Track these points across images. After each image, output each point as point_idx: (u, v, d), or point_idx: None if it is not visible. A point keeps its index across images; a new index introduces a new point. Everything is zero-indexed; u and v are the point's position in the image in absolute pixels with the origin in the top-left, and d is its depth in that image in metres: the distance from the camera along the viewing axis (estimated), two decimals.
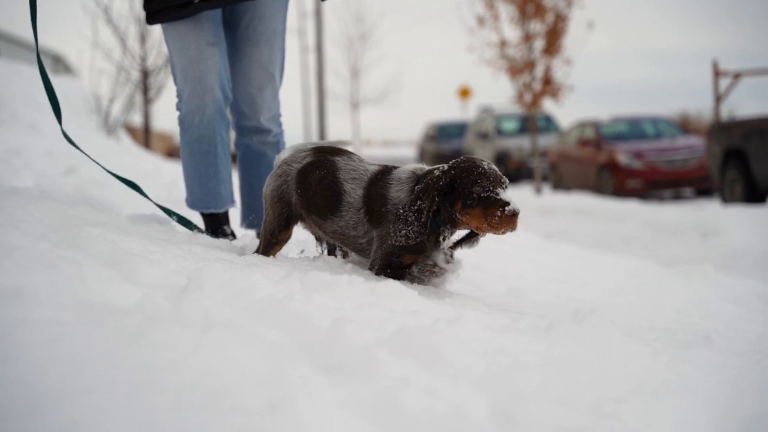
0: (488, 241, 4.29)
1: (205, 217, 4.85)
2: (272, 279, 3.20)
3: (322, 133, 39.54)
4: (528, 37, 21.03)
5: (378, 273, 3.73)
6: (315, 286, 3.10)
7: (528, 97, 21.05)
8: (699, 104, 29.05)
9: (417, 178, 3.66)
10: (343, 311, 2.80)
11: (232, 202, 4.87)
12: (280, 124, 4.89)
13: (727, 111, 31.71)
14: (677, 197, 20.83)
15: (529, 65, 20.90)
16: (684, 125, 32.51)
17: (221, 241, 4.28)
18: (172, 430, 1.63)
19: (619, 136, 21.69)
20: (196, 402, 1.75)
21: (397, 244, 3.58)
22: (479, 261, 5.63)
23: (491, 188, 3.51)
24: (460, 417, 2.03)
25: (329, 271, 3.63)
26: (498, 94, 24.39)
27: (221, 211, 4.82)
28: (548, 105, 24.10)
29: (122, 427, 1.65)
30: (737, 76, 17.30)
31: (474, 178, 3.51)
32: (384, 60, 63.99)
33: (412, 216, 3.53)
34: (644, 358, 2.75)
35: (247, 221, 4.97)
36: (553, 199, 19.60)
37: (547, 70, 20.91)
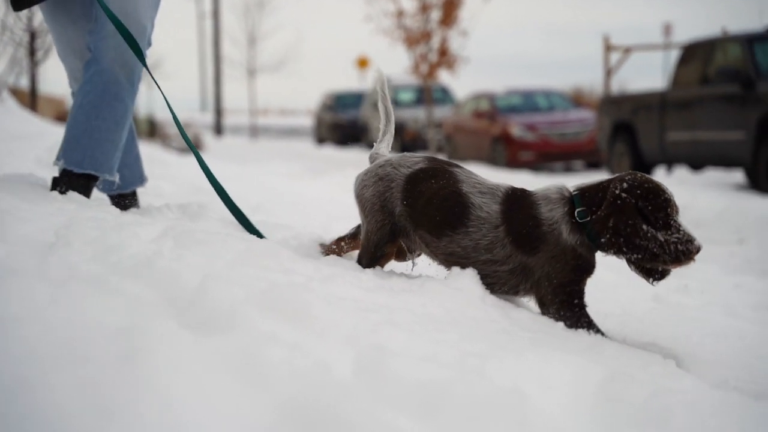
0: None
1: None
2: (145, 237, 3.13)
3: (218, 100, 39.05)
4: (425, 8, 21.07)
5: (577, 326, 3.20)
6: (188, 244, 3.04)
7: (424, 68, 21.13)
8: (592, 78, 29.64)
9: (569, 199, 3.30)
10: (214, 269, 2.75)
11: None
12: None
13: (618, 85, 32.42)
14: (568, 169, 21.21)
15: (426, 36, 20.97)
16: (577, 99, 33.09)
17: (96, 201, 4.15)
18: (15, 380, 1.58)
19: (513, 109, 21.94)
20: (44, 353, 1.70)
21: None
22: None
23: (675, 218, 3.23)
24: (324, 371, 2.02)
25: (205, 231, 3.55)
26: (396, 64, 24.43)
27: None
28: (444, 76, 24.23)
29: None
30: (627, 50, 17.67)
31: (661, 203, 3.20)
32: (282, 28, 63.37)
33: (655, 241, 3.14)
34: (513, 313, 2.79)
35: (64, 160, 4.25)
36: None
37: (444, 42, 21.01)
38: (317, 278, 2.90)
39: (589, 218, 3.24)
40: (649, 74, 33.47)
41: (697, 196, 11.55)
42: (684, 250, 3.14)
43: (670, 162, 15.15)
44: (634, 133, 15.64)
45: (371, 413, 1.82)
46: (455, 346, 2.37)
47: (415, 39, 20.96)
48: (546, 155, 20.54)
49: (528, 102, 22.36)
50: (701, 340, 3.58)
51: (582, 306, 3.25)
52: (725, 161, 13.75)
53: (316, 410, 1.85)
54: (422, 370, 2.09)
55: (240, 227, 4.03)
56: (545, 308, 3.27)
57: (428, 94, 22.23)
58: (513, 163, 20.34)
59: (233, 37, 42.32)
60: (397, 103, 28.65)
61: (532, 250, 3.26)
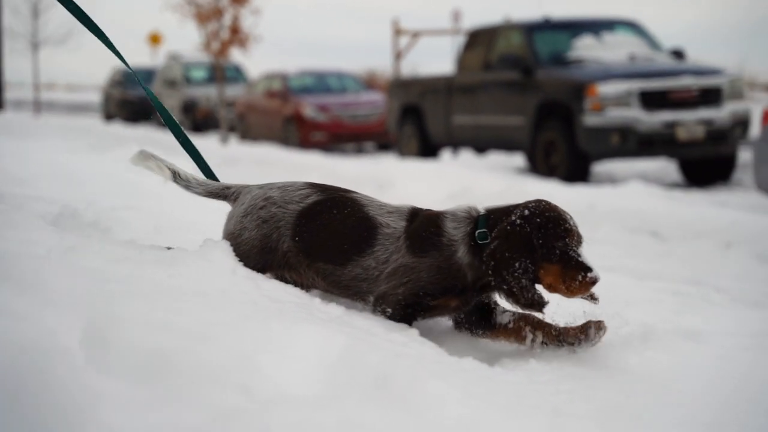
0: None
1: None
2: None
3: None
4: None
5: (393, 312, 3.18)
6: None
7: (215, 46, 20.78)
8: (385, 62, 30.10)
9: (475, 220, 3.24)
10: None
11: None
12: None
13: (411, 69, 33.03)
14: (360, 151, 21.47)
15: (217, 13, 20.60)
16: (370, 82, 33.52)
17: None
18: None
19: (305, 90, 21.97)
20: None
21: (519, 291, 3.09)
22: (134, 202, 5.46)
23: (575, 248, 3.16)
24: (49, 340, 1.93)
25: None
26: (187, 41, 23.93)
27: None
28: (237, 55, 23.92)
29: None
30: (416, 34, 18.03)
31: (560, 233, 3.15)
32: None
33: (523, 280, 3.09)
34: (264, 285, 2.76)
35: None
36: (239, 149, 19.55)
37: (235, 19, 20.71)
38: (59, 249, 2.77)
39: (487, 240, 3.19)
40: (440, 58, 34.31)
41: (480, 177, 11.94)
42: (537, 302, 3.11)
43: (455, 145, 15.60)
44: (421, 116, 15.99)
45: (88, 381, 1.75)
46: (195, 316, 2.33)
47: (205, 15, 20.55)
48: (337, 136, 20.70)
49: (320, 83, 22.45)
50: None
51: (407, 315, 3.20)
52: (507, 145, 14.28)
53: (34, 378, 1.76)
54: (154, 338, 2.04)
55: None
56: (379, 296, 3.23)
57: (220, 72, 21.90)
58: (305, 143, 20.38)
59: (14, 6, 40.17)
60: (188, 81, 28.13)
61: (421, 253, 3.22)
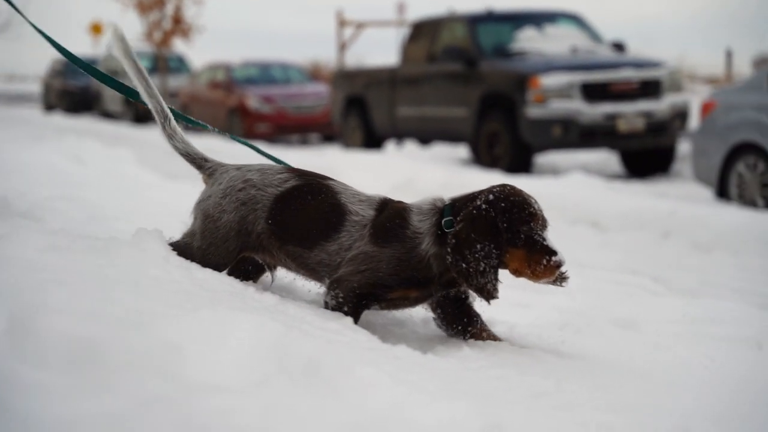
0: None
1: None
2: None
3: None
4: None
5: (345, 298, 3.18)
6: None
7: (158, 36, 20.61)
8: (330, 53, 30.02)
9: (440, 210, 3.25)
10: None
11: None
12: None
13: (356, 60, 32.97)
14: (304, 142, 21.39)
15: (159, 3, 20.44)
16: (315, 73, 33.40)
17: None
18: None
19: (249, 80, 21.83)
20: None
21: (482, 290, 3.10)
22: (69, 192, 5.39)
23: (540, 232, 3.16)
24: None
25: None
26: (129, 31, 23.61)
27: None
28: (180, 45, 23.71)
29: None
30: (360, 26, 18.00)
31: (525, 217, 3.14)
32: None
33: (482, 264, 3.08)
34: (198, 274, 2.74)
35: None
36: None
37: (178, 9, 20.57)
38: None
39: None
40: (386, 50, 34.30)
41: (423, 169, 11.97)
42: (488, 290, 3.10)
43: (400, 136, 15.62)
44: (366, 108, 15.97)
45: (11, 370, 1.72)
46: (126, 305, 2.30)
47: (147, 5, 20.38)
48: (282, 128, 20.60)
49: (265, 74, 22.33)
50: None
51: (360, 303, 3.20)
52: (451, 136, 14.33)
53: None
54: (82, 327, 2.01)
55: None
56: (334, 280, 3.22)
57: (162, 63, 21.71)
58: (249, 134, 20.25)
59: None
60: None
61: (383, 243, 3.21)
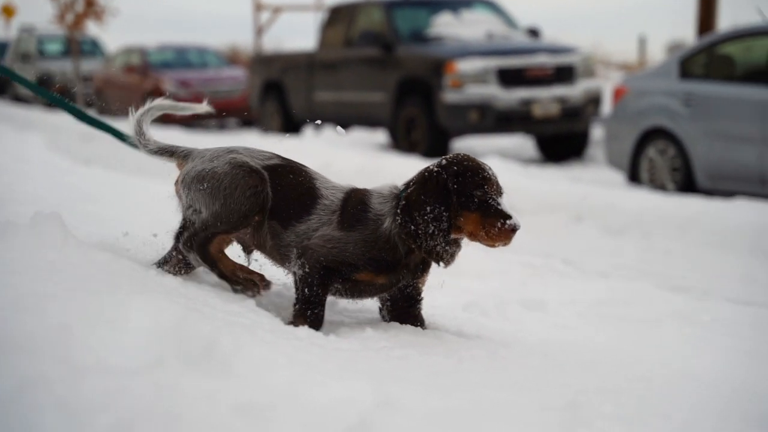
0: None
1: None
2: None
3: None
4: None
5: (311, 269, 3.20)
6: None
7: (70, 18, 20.17)
8: (247, 37, 29.75)
9: (399, 192, 3.29)
10: None
11: None
12: None
13: (275, 44, 32.70)
14: (222, 127, 21.18)
15: None
16: (233, 57, 33.06)
17: None
18: None
19: (165, 64, 21.52)
20: None
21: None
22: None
23: (494, 196, 3.19)
24: None
25: None
26: (40, 13, 23.03)
27: None
28: (93, 28, 23.23)
29: None
30: (277, 10, 17.87)
31: (478, 181, 3.17)
32: None
33: (431, 226, 3.13)
34: (97, 257, 2.70)
35: None
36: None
37: None
38: None
39: None
40: (304, 34, 34.11)
41: (340, 154, 11.94)
42: (439, 252, 3.16)
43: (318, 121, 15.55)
44: (283, 92, 15.88)
45: None
46: (20, 288, 2.26)
47: None
48: None
49: (181, 58, 22.03)
50: None
51: (326, 275, 3.21)
52: (369, 121, 14.34)
53: None
54: None
55: None
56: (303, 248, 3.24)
57: (75, 46, 21.27)
58: (165, 119, 19.96)
59: None
60: (43, 55, 27.16)
61: (349, 227, 3.24)
